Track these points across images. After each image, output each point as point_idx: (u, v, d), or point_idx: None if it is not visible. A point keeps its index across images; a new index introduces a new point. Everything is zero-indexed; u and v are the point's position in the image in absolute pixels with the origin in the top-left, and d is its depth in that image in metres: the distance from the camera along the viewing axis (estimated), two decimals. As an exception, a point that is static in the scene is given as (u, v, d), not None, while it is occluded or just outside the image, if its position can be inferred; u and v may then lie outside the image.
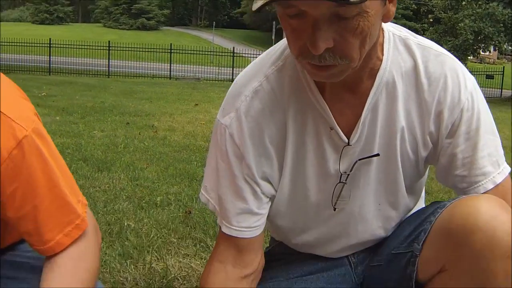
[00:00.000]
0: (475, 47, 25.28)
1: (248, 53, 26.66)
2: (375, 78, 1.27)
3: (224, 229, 1.39)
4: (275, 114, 1.32)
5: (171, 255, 2.63)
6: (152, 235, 2.87)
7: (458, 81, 1.29)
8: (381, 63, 1.27)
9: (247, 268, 1.40)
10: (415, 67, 1.29)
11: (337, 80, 1.17)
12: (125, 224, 3.03)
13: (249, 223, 1.37)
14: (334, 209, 1.40)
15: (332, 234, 1.48)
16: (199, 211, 3.28)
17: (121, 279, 2.33)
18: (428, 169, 1.48)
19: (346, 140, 1.31)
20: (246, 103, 1.32)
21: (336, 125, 1.29)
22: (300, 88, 1.30)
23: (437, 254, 1.27)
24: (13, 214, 1.18)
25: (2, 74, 1.22)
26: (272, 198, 1.41)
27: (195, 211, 3.29)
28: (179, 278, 2.38)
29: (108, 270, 2.40)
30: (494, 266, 1.16)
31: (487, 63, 52.75)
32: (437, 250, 1.27)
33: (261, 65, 1.34)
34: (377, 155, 1.33)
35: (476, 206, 1.18)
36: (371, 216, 1.44)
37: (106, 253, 2.58)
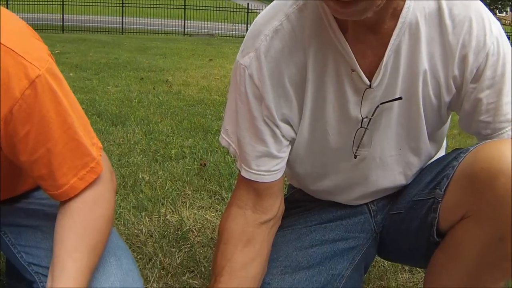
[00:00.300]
0: (491, 8, 24.77)
1: (262, 10, 26.22)
2: (398, 18, 1.20)
3: (244, 173, 1.34)
4: (295, 54, 1.26)
5: (186, 207, 2.59)
6: (166, 188, 2.82)
7: (483, 25, 1.23)
8: (404, 3, 1.20)
9: (266, 213, 1.36)
10: (439, 9, 1.22)
11: (360, 18, 1.10)
12: (140, 177, 2.99)
13: (269, 166, 1.32)
14: (355, 156, 1.34)
15: (351, 180, 1.42)
16: (214, 164, 3.23)
17: (135, 231, 2.30)
18: (450, 118, 1.42)
19: (368, 83, 1.24)
20: (266, 43, 1.26)
21: (358, 66, 1.22)
22: (322, 27, 1.23)
23: (460, 200, 1.21)
24: (26, 158, 1.13)
25: (13, 14, 1.15)
26: (292, 142, 1.35)
27: (210, 163, 3.24)
28: (194, 230, 2.34)
29: (122, 223, 2.36)
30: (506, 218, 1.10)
31: (503, 24, 51.82)
32: (460, 195, 1.21)
33: (282, 4, 1.27)
34: (400, 98, 1.26)
35: (501, 149, 1.12)
36: (391, 162, 1.38)
37: (120, 206, 2.55)
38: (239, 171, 1.36)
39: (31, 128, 1.10)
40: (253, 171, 1.32)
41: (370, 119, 1.29)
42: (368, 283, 1.94)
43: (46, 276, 1.12)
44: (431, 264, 1.34)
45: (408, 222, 1.39)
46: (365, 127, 1.30)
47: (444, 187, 1.25)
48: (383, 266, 2.06)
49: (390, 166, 1.39)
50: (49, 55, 1.16)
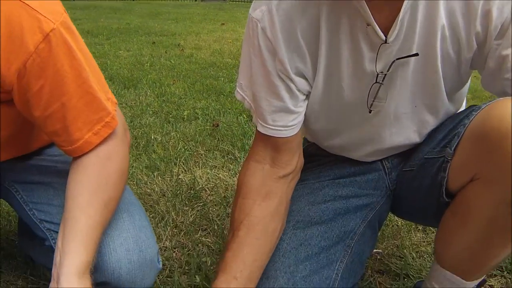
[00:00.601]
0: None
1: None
2: None
3: (260, 128, 1.30)
4: (308, 8, 1.20)
5: (199, 166, 2.56)
6: (179, 148, 2.79)
7: None
8: None
9: (285, 168, 1.32)
10: None
11: None
12: (152, 137, 2.96)
13: (285, 122, 1.28)
14: (370, 111, 1.29)
15: (365, 137, 1.38)
16: (226, 124, 3.19)
17: (148, 190, 2.27)
18: (470, 79, 1.36)
19: (384, 38, 1.18)
20: None
21: (373, 21, 1.16)
22: None
23: (469, 160, 1.16)
24: (40, 113, 1.11)
25: None
26: (308, 96, 1.31)
27: (222, 124, 3.20)
28: (206, 189, 2.31)
29: (134, 182, 2.34)
30: None
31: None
32: (470, 155, 1.16)
33: None
34: (416, 54, 1.20)
35: None
36: (405, 119, 1.33)
37: (133, 166, 2.52)
38: (256, 127, 1.32)
39: (45, 83, 1.07)
40: (270, 127, 1.28)
41: (386, 74, 1.23)
42: (382, 242, 1.91)
43: (58, 232, 1.10)
44: (441, 226, 1.31)
45: (420, 180, 1.34)
46: (380, 82, 1.24)
47: (454, 146, 1.20)
48: (397, 225, 2.02)
49: (404, 124, 1.34)
50: (64, 10, 1.12)
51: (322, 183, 1.43)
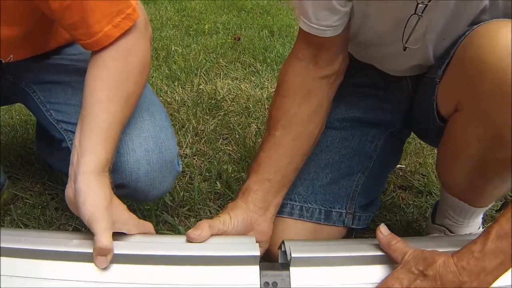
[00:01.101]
0: None
1: None
2: None
3: (303, 26, 1.18)
4: None
5: (220, 77, 2.48)
6: (200, 59, 2.71)
7: None
8: None
9: (327, 68, 1.22)
10: None
11: None
12: (172, 49, 2.87)
13: (330, 22, 1.15)
14: (405, 43, 1.16)
15: (397, 54, 1.25)
16: (248, 38, 3.08)
17: (168, 99, 2.21)
18: None
19: None
20: None
21: None
22: None
23: (452, 88, 1.06)
24: (58, 6, 1.01)
25: None
26: None
27: (244, 38, 3.09)
28: (228, 99, 2.24)
29: (155, 91, 2.25)
30: (502, 118, 0.93)
31: None
32: (452, 83, 1.06)
33: None
34: None
35: (498, 33, 0.91)
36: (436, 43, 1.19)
37: (153, 76, 2.45)
38: (299, 24, 1.21)
39: None
40: (313, 25, 1.16)
41: (427, 5, 1.09)
42: (405, 158, 1.84)
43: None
44: (438, 156, 1.23)
45: (423, 99, 1.24)
46: (420, 14, 1.11)
47: (443, 68, 1.10)
48: (420, 143, 1.95)
49: (432, 48, 1.20)
50: None
51: (345, 89, 1.32)
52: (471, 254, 0.89)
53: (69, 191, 0.95)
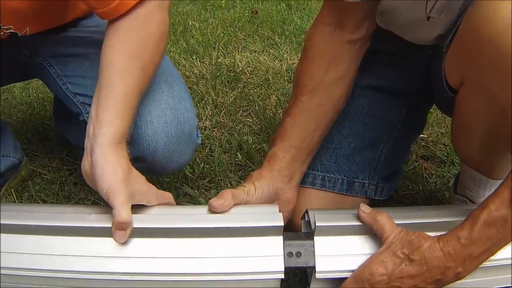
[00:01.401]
0: None
1: None
2: None
3: None
4: None
5: (238, 50, 2.44)
6: (217, 33, 2.66)
7: None
8: None
9: (354, 33, 1.16)
10: None
11: None
12: (190, 24, 2.83)
13: None
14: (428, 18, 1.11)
15: (419, 21, 1.19)
16: (265, 12, 3.03)
17: (186, 73, 2.17)
18: None
19: None
20: None
21: None
22: None
23: (457, 60, 1.01)
24: None
25: None
26: None
27: (261, 11, 3.04)
28: (246, 71, 2.20)
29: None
30: (505, 93, 0.87)
31: None
32: (457, 55, 1.00)
33: None
34: None
35: (498, 5, 0.84)
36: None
37: (170, 51, 2.42)
38: None
39: None
40: None
41: None
42: (427, 128, 1.79)
43: None
44: (451, 129, 1.19)
45: (436, 69, 1.18)
46: None
47: (449, 38, 1.04)
48: (442, 113, 1.90)
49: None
50: None
51: (367, 56, 1.27)
52: (457, 240, 0.86)
53: (85, 164, 0.92)
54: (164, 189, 1.32)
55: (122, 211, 0.87)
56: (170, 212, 0.97)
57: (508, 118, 0.91)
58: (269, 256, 0.93)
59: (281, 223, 0.93)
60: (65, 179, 1.43)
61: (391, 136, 1.27)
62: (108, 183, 0.87)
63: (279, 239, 0.94)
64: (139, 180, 0.95)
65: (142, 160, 1.10)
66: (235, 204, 0.98)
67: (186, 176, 1.44)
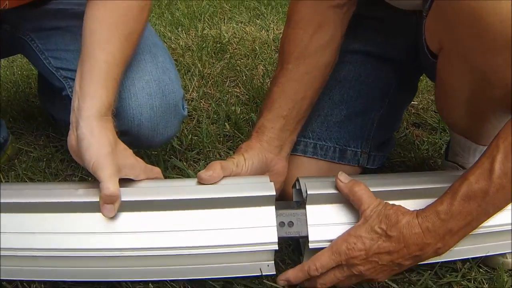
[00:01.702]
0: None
1: None
2: None
3: None
4: None
5: (224, 22, 2.40)
6: (203, 5, 2.61)
7: None
8: None
9: None
10: None
11: None
12: (174, -5, 2.77)
13: None
14: None
15: None
16: (251, -18, 2.97)
17: (172, 45, 2.13)
18: None
19: None
20: None
21: None
22: None
23: (435, 25, 0.96)
24: None
25: None
26: None
27: (247, -18, 2.98)
28: (233, 42, 2.16)
29: (158, 37, 2.18)
30: (485, 61, 0.85)
31: None
32: (436, 20, 0.96)
33: None
34: None
35: None
36: None
37: (156, 24, 2.37)
38: None
39: None
40: None
41: None
42: (417, 96, 1.76)
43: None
44: (435, 96, 1.14)
45: (421, 35, 1.15)
46: None
47: (429, 3, 0.99)
48: (431, 80, 1.86)
49: None
50: None
51: (354, 21, 1.22)
52: (436, 215, 0.83)
53: (71, 139, 0.88)
54: (152, 162, 1.29)
55: (110, 184, 0.83)
56: (159, 185, 0.94)
57: (491, 85, 0.88)
58: (262, 227, 0.90)
59: (273, 193, 0.90)
60: (52, 156, 1.38)
61: (383, 103, 1.24)
62: (94, 156, 0.84)
63: (271, 209, 0.91)
64: (127, 154, 0.91)
65: (127, 133, 1.05)
66: (225, 176, 0.94)
67: (174, 148, 1.40)
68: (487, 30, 0.79)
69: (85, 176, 1.29)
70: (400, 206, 0.88)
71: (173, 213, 0.90)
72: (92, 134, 0.85)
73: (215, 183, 0.92)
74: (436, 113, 1.69)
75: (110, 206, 0.85)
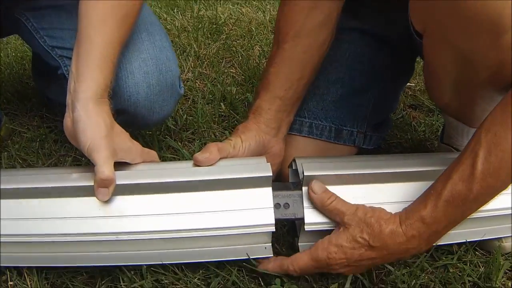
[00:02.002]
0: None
1: None
2: None
3: None
4: None
5: (220, 3, 2.37)
6: (199, -15, 2.57)
7: None
8: None
9: None
10: None
11: None
12: (170, -24, 2.72)
13: None
14: None
15: None
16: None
17: (168, 26, 2.10)
18: None
19: None
20: None
21: None
22: None
23: (418, 6, 0.93)
24: None
25: None
26: None
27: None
28: (229, 23, 2.14)
29: (154, 18, 2.15)
30: (468, 44, 0.83)
31: None
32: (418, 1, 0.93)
33: None
34: None
35: None
36: None
37: (152, 5, 2.34)
38: None
39: None
40: None
41: None
42: (414, 77, 1.74)
43: (71, 58, 0.93)
44: (424, 78, 1.13)
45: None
46: None
47: None
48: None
49: None
50: None
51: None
52: (421, 221, 0.82)
53: (67, 121, 0.86)
54: (146, 142, 1.28)
55: (105, 167, 0.81)
56: (154, 168, 0.92)
57: (474, 68, 0.87)
58: (259, 208, 0.89)
59: (270, 173, 0.88)
60: (45, 136, 1.36)
61: (380, 83, 1.21)
62: (90, 138, 0.82)
63: (268, 190, 0.89)
64: (123, 137, 0.90)
65: (123, 112, 1.04)
66: (221, 158, 0.92)
67: (169, 128, 1.38)
68: (468, 11, 0.77)
69: (79, 156, 1.27)
70: (381, 211, 0.86)
71: (169, 196, 0.88)
72: (89, 116, 0.84)
73: (211, 165, 0.91)
74: (434, 95, 1.67)
75: (105, 189, 0.84)
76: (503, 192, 0.83)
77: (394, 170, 0.92)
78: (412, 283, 0.92)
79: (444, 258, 0.99)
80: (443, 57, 0.93)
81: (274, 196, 0.89)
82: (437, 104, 1.17)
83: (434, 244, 0.87)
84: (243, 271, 0.94)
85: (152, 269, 0.92)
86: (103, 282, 0.92)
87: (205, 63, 1.77)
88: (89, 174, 0.85)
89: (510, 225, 0.96)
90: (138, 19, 1.02)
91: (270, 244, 0.91)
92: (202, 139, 1.35)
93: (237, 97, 1.54)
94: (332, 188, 0.90)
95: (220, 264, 0.94)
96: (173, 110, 1.16)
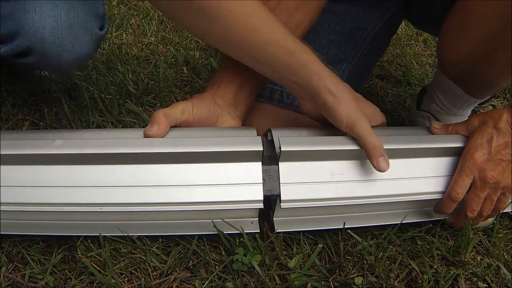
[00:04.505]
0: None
1: None
2: None
3: None
4: None
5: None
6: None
7: None
8: None
9: None
10: None
11: None
12: None
13: None
14: None
15: None
16: None
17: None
18: None
19: None
20: None
21: None
22: None
23: None
24: None
25: None
26: None
27: None
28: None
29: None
30: None
31: None
32: None
33: None
34: None
35: None
36: None
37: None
38: None
39: None
40: None
41: None
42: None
43: None
44: (442, 31, 1.07)
45: None
46: None
47: None
48: (397, 34, 1.80)
49: None
50: None
51: None
52: None
53: None
54: (106, 106, 1.19)
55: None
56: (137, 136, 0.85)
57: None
58: (247, 184, 0.83)
59: (260, 147, 0.82)
60: (4, 100, 1.26)
61: (355, 56, 1.16)
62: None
63: (258, 165, 0.83)
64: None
65: (31, 51, 0.91)
66: (173, 127, 0.85)
67: (130, 92, 1.30)
68: None
69: (37, 120, 1.18)
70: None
71: (156, 167, 0.82)
72: None
73: (164, 136, 0.84)
74: (401, 66, 1.64)
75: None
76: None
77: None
78: (379, 255, 0.88)
79: (412, 230, 0.95)
80: (488, 7, 0.90)
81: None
82: (445, 59, 1.11)
83: None
84: (204, 240, 0.89)
85: (110, 237, 0.86)
86: (59, 251, 0.86)
87: (169, 27, 1.70)
88: (73, 142, 0.80)
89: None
90: None
91: (257, 219, 0.87)
92: (164, 104, 1.28)
93: (200, 61, 1.47)
94: (310, 164, 0.85)
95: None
96: (91, 52, 0.99)
